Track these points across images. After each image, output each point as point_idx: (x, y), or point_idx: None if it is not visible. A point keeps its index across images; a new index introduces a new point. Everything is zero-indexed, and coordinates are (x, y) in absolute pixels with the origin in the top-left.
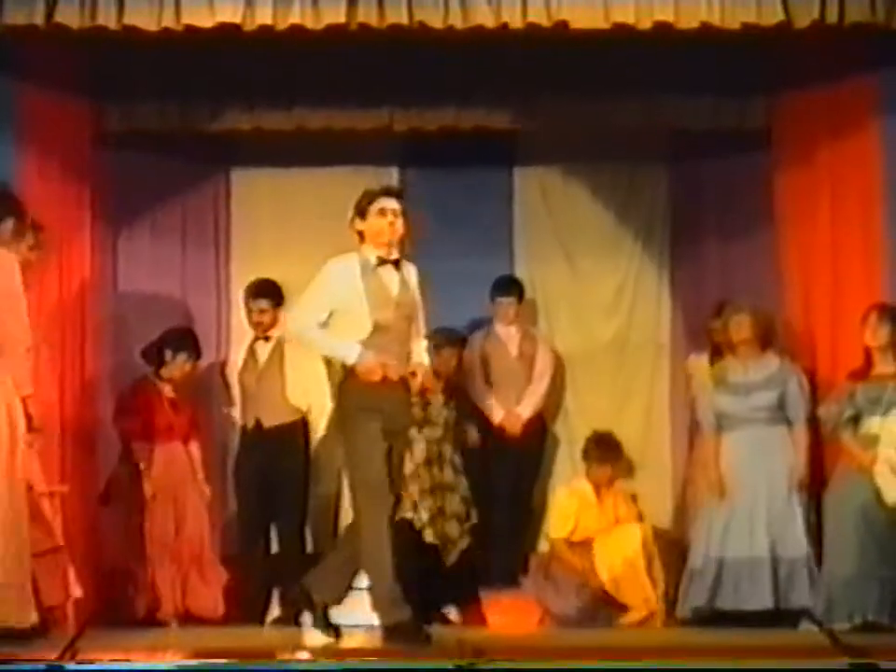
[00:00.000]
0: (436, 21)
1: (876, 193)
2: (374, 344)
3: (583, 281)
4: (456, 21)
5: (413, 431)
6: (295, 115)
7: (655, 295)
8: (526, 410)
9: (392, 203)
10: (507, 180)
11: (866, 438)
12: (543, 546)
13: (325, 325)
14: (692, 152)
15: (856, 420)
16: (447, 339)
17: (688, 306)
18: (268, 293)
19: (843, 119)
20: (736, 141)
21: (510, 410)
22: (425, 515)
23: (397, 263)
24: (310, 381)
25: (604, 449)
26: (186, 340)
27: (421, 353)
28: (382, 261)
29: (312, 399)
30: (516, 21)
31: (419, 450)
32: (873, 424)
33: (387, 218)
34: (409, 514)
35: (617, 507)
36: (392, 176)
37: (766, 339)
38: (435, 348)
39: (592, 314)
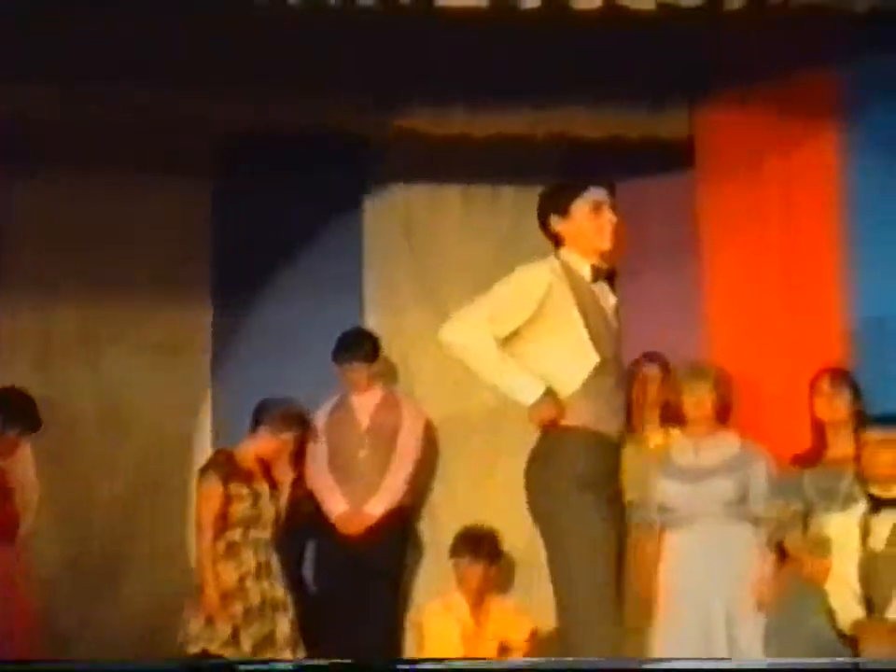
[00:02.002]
0: None
1: (834, 212)
2: (594, 389)
3: None
4: None
5: (237, 532)
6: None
7: None
8: (378, 506)
9: (607, 197)
10: (355, 201)
11: (817, 541)
12: None
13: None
14: (591, 167)
15: (804, 517)
16: (283, 418)
17: None
18: None
19: (792, 123)
20: (649, 155)
21: (356, 505)
22: (247, 645)
23: (611, 278)
24: None
25: (476, 545)
26: (22, 406)
27: None
28: (596, 274)
29: None
30: None
31: (247, 556)
32: (826, 523)
33: (605, 216)
34: (217, 648)
35: (502, 626)
36: (206, 189)
37: (725, 412)
38: (269, 429)
39: (464, 375)
